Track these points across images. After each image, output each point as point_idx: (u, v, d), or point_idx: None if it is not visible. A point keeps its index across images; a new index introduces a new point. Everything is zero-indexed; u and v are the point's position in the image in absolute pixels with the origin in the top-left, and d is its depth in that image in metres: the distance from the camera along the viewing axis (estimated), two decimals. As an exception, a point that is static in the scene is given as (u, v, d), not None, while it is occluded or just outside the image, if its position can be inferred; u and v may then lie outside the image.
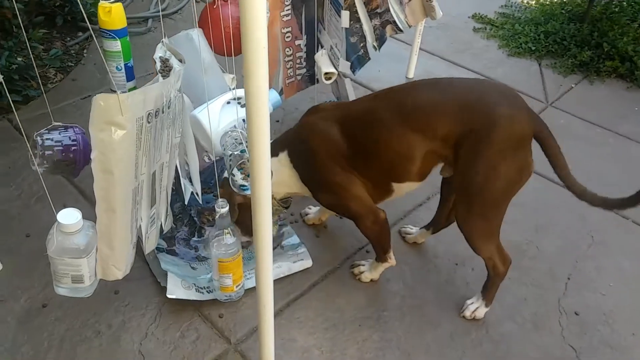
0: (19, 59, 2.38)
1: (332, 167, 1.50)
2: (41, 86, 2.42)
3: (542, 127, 1.40)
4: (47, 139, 1.31)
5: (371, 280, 1.69)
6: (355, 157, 1.49)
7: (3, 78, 2.22)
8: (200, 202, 1.66)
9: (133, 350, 1.47)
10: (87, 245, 1.20)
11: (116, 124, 1.10)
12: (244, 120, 1.52)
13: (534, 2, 3.22)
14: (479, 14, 3.16)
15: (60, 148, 1.30)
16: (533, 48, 2.85)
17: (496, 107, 1.36)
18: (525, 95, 2.58)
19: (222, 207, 1.43)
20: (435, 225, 1.76)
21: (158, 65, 1.40)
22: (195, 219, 1.83)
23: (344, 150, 1.49)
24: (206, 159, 1.84)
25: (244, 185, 1.37)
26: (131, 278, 1.61)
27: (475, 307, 1.58)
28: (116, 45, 1.57)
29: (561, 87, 2.65)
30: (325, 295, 1.64)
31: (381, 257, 1.65)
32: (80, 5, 1.39)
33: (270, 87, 2.10)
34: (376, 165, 1.48)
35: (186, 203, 1.68)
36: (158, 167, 1.35)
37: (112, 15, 1.55)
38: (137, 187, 1.25)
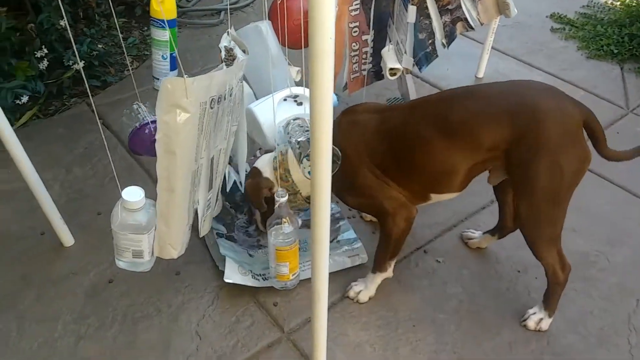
0: (100, 45, 2.51)
1: (363, 173, 1.47)
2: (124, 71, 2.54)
3: (589, 113, 1.36)
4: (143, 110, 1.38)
5: (369, 298, 1.60)
6: (390, 167, 1.46)
7: (84, 64, 2.35)
8: (243, 191, 1.68)
9: (190, 330, 1.51)
10: (148, 222, 1.25)
11: (181, 107, 1.14)
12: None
13: (618, 3, 3.04)
14: (558, 13, 3.02)
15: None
16: (615, 51, 2.69)
17: (540, 101, 1.32)
18: (604, 99, 2.45)
19: (282, 196, 1.44)
20: (500, 231, 1.70)
21: (223, 54, 1.43)
22: (252, 208, 1.86)
23: (378, 159, 1.46)
24: (258, 152, 1.87)
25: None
26: (192, 261, 1.67)
27: (539, 318, 1.51)
28: (164, 35, 1.62)
29: (644, 92, 2.49)
30: (379, 292, 1.62)
31: (382, 266, 1.57)
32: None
33: (335, 81, 2.12)
34: (414, 177, 1.45)
35: (227, 191, 1.71)
36: (216, 153, 1.38)
37: (165, 5, 1.60)
38: (196, 170, 1.29)
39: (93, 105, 2.29)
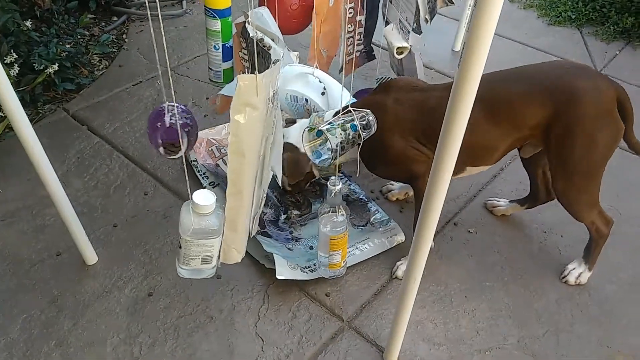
0: (68, 45, 2.31)
1: (396, 140, 1.52)
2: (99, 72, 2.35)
3: (622, 91, 1.44)
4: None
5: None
6: (428, 142, 1.50)
7: (57, 67, 2.16)
8: (280, 184, 1.65)
9: (250, 332, 1.46)
10: (220, 225, 1.19)
11: (251, 105, 1.09)
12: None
13: (565, -29, 3.21)
14: (513, -16, 3.14)
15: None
16: (573, 16, 2.85)
17: (577, 81, 1.40)
18: (574, 63, 2.60)
19: (335, 185, 1.42)
20: (531, 202, 1.76)
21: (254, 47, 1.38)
22: (278, 201, 1.82)
23: (417, 133, 1.51)
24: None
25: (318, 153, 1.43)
26: (228, 263, 1.61)
27: (579, 272, 1.60)
28: (216, 25, 1.54)
29: (606, 54, 2.66)
30: (425, 269, 1.63)
31: None
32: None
33: (329, 64, 2.09)
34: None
35: (267, 185, 1.66)
36: (268, 148, 1.34)
37: None
38: (257, 170, 1.24)
39: (72, 110, 2.11)
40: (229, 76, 1.74)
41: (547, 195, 1.70)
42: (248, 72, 1.56)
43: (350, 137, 1.43)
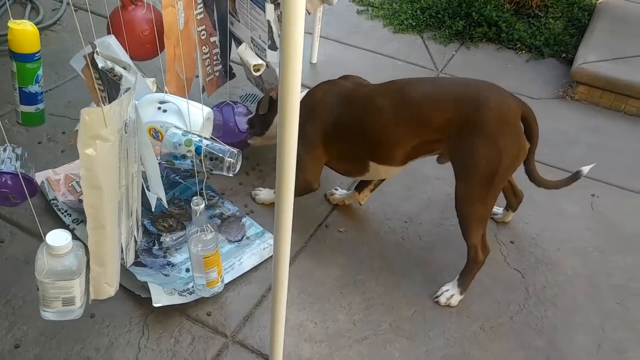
0: None
1: (307, 127, 1.60)
2: None
3: (529, 110, 1.54)
4: None
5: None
6: (341, 131, 1.63)
7: None
8: (167, 206, 1.65)
9: (131, 367, 1.43)
10: (79, 265, 1.17)
11: (101, 137, 1.09)
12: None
13: (403, -18, 3.51)
14: (358, -3, 3.38)
15: None
16: (413, 24, 3.13)
17: (484, 92, 1.53)
18: (418, 66, 2.85)
19: (198, 205, 1.44)
20: (512, 205, 1.88)
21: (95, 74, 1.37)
22: (149, 228, 1.79)
23: (330, 121, 1.63)
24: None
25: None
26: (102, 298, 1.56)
27: (451, 294, 1.64)
28: (13, 66, 1.50)
29: (445, 55, 2.96)
30: (301, 273, 1.72)
31: None
32: None
33: (189, 86, 2.10)
34: (361, 142, 1.62)
35: (153, 211, 1.65)
36: (130, 178, 1.33)
37: None
38: (120, 200, 1.23)
39: None
40: (28, 119, 1.65)
41: (514, 197, 1.85)
42: (101, 102, 1.53)
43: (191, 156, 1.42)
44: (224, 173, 1.40)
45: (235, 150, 1.41)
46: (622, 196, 2.11)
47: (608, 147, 2.35)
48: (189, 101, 1.84)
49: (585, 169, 1.66)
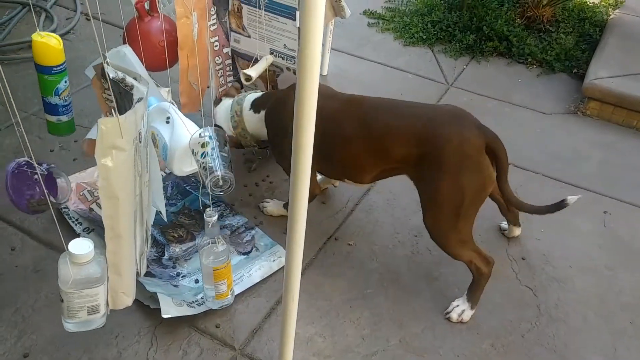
0: None
1: (289, 142, 1.59)
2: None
3: (494, 139, 1.51)
4: None
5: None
6: (319, 148, 1.60)
7: None
8: (165, 219, 1.64)
9: (139, 378, 1.43)
10: (102, 272, 1.18)
11: (118, 147, 1.10)
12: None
13: (413, -5, 3.53)
14: (369, 10, 3.39)
15: None
16: (424, 37, 3.13)
17: (444, 127, 1.51)
18: (427, 79, 2.85)
19: (211, 216, 1.44)
20: (512, 220, 1.88)
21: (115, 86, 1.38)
22: (159, 238, 1.80)
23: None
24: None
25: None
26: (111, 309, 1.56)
27: (462, 310, 1.63)
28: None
29: (455, 69, 2.96)
30: (310, 286, 1.71)
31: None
32: None
33: (202, 97, 2.11)
34: (333, 163, 1.68)
35: (151, 223, 1.65)
36: (143, 187, 1.33)
37: None
38: (135, 210, 1.23)
39: None
40: (53, 129, 1.68)
41: (508, 211, 1.84)
42: (115, 113, 1.54)
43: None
44: (207, 187, 1.35)
45: (230, 174, 1.36)
46: (634, 213, 2.10)
47: (620, 164, 2.33)
48: (187, 120, 1.83)
49: (572, 199, 1.59)
